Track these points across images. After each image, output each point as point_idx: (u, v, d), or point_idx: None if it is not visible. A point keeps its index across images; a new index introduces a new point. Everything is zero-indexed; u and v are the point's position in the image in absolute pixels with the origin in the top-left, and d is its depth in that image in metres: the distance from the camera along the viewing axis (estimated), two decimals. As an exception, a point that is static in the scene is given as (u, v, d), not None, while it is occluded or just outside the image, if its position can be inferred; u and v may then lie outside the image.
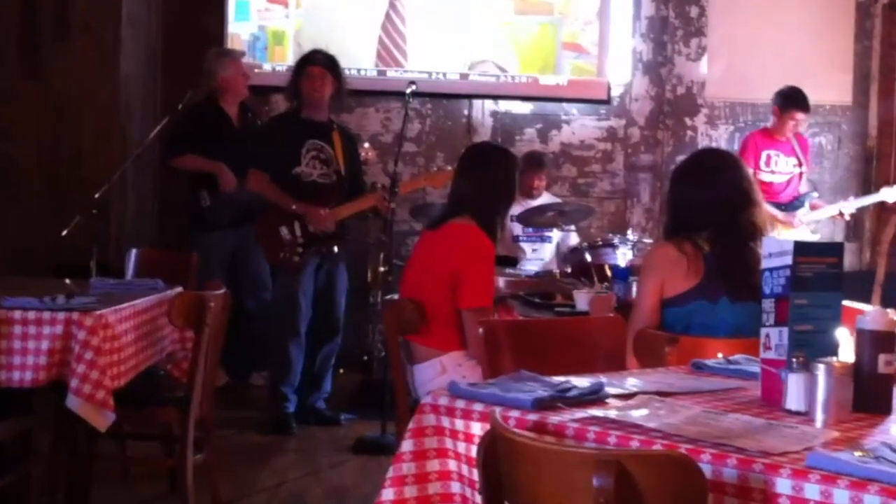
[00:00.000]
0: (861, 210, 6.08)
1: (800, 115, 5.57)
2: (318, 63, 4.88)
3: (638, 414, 1.72)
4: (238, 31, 6.20)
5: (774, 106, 5.63)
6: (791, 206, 5.66)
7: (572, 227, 5.39)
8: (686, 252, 2.82)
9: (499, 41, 6.38)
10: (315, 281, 4.86)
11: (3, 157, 5.42)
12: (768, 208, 5.41)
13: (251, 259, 5.28)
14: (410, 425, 1.92)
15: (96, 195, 4.31)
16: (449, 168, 5.53)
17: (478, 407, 1.83)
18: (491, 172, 3.54)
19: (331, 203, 4.78)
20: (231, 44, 6.10)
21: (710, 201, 2.86)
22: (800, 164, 5.67)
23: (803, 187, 5.74)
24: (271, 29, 6.26)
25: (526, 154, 5.75)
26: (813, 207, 5.70)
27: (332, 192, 4.83)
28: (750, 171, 3.11)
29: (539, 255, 5.57)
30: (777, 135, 5.63)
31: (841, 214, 5.71)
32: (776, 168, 5.64)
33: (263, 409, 4.98)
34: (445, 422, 1.88)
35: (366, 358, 5.47)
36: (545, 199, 5.73)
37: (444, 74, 6.32)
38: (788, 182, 5.68)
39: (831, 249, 1.94)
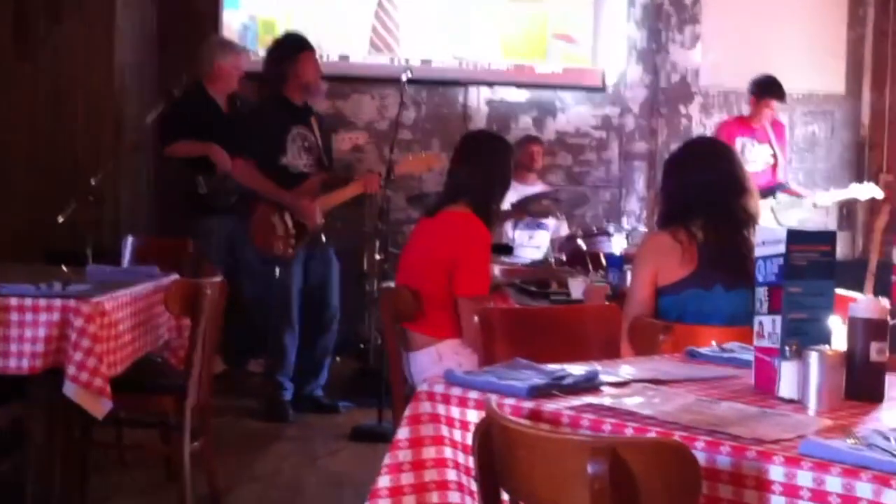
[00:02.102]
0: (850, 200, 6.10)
1: (775, 104, 5.61)
2: (312, 48, 4.84)
3: (632, 401, 1.73)
4: (230, 19, 6.17)
5: (750, 95, 5.67)
6: (761, 194, 5.68)
7: (564, 218, 5.41)
8: (680, 240, 2.83)
9: (490, 30, 6.37)
10: (306, 270, 4.85)
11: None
12: None
13: (249, 245, 5.28)
14: (406, 413, 1.92)
15: (92, 181, 4.31)
16: (425, 153, 5.54)
17: (473, 394, 1.84)
18: (487, 160, 3.55)
19: (315, 192, 4.75)
20: (224, 30, 6.08)
21: (703, 189, 2.87)
22: (774, 155, 5.68)
23: (780, 175, 5.74)
24: (262, 18, 6.24)
25: (521, 137, 5.82)
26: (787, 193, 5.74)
27: (315, 181, 4.80)
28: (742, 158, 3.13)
29: (535, 243, 5.58)
30: (752, 121, 5.66)
31: (815, 206, 5.72)
32: (749, 157, 5.65)
33: (260, 396, 4.99)
34: (441, 409, 1.89)
35: (362, 346, 5.48)
36: (540, 187, 5.74)
37: (440, 62, 6.31)
38: (763, 173, 5.70)
39: (824, 238, 1.95)
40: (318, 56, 4.88)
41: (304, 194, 4.71)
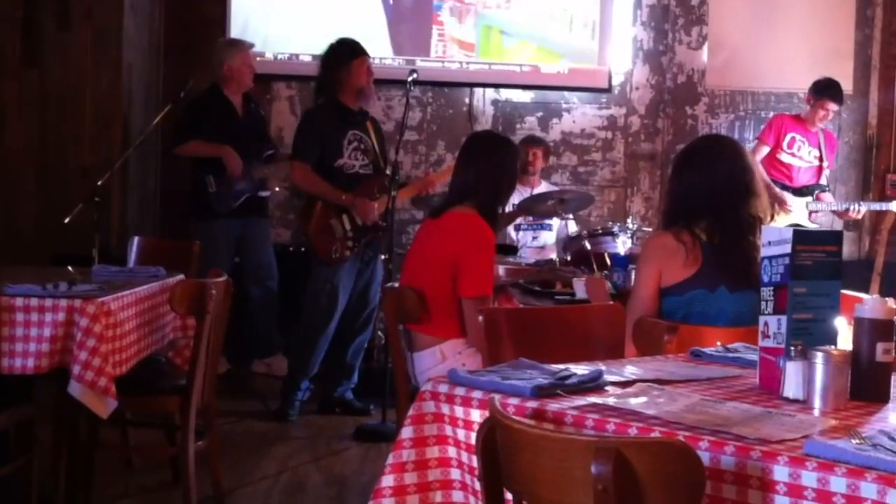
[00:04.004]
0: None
1: (831, 106, 5.60)
2: (365, 53, 4.88)
3: (636, 401, 1.73)
4: (239, 19, 6.18)
5: (808, 94, 5.67)
6: (799, 192, 5.68)
7: (570, 216, 5.40)
8: (684, 241, 2.82)
9: (498, 29, 6.37)
10: (356, 273, 4.87)
11: (4, 144, 5.43)
12: (776, 189, 5.46)
13: (256, 247, 5.30)
14: (410, 412, 1.92)
15: (99, 182, 4.33)
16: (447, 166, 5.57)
17: (477, 394, 1.84)
18: (492, 161, 3.54)
19: (373, 192, 4.80)
20: (232, 33, 6.09)
21: (707, 191, 2.85)
22: (820, 159, 5.68)
23: (823, 180, 5.74)
24: (271, 15, 6.24)
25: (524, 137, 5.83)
26: (819, 199, 5.71)
27: (373, 182, 4.84)
28: (754, 160, 3.04)
29: (539, 243, 5.58)
30: (807, 123, 5.66)
31: (846, 211, 5.67)
32: (798, 153, 5.66)
33: (265, 397, 5.00)
34: (445, 409, 1.89)
35: (366, 346, 5.48)
36: (544, 187, 5.73)
37: (445, 63, 6.31)
38: (806, 170, 5.70)
39: (830, 238, 1.94)
40: (368, 61, 4.91)
41: (362, 194, 4.75)
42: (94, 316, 2.92)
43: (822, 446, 1.45)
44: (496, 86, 6.42)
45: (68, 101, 5.43)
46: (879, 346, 1.84)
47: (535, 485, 1.55)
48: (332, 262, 4.77)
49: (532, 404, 1.74)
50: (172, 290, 3.26)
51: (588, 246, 4.39)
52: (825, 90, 5.57)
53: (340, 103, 4.82)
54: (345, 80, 4.79)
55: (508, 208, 4.70)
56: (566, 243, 4.87)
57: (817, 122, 5.63)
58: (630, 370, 2.05)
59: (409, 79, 4.97)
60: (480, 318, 2.63)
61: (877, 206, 5.82)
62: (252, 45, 5.49)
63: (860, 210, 5.66)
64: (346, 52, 4.86)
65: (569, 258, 4.55)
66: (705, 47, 6.49)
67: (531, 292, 3.90)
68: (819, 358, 1.77)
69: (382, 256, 4.82)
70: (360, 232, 4.78)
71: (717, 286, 2.79)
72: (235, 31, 6.09)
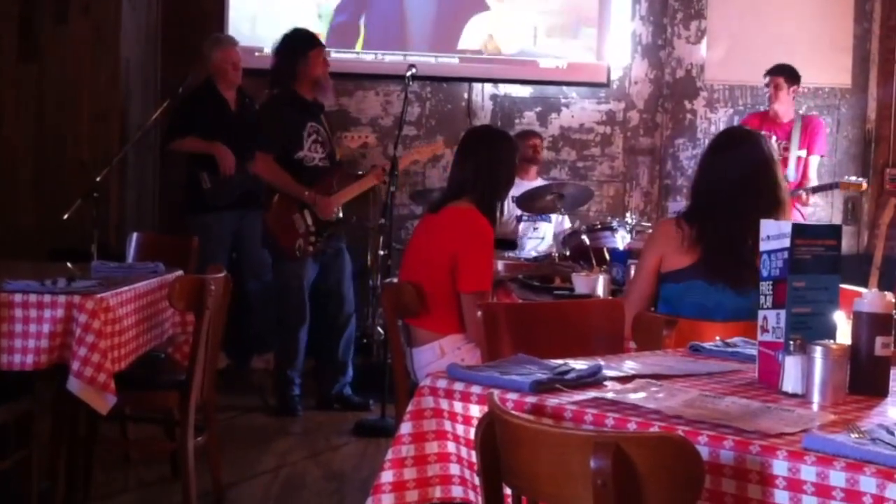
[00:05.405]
0: (861, 193, 6.09)
1: (774, 80, 5.59)
2: (321, 44, 4.86)
3: (636, 396, 1.73)
4: (237, 14, 6.17)
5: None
6: None
7: (565, 213, 5.40)
8: (686, 231, 2.83)
9: (495, 24, 6.36)
10: (323, 268, 4.87)
11: (1, 139, 5.42)
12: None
13: (253, 242, 5.29)
14: (409, 408, 1.92)
15: (97, 178, 4.33)
16: (440, 138, 5.60)
17: (476, 389, 1.84)
18: (491, 155, 3.54)
19: (332, 186, 4.79)
20: (231, 27, 6.07)
21: (714, 189, 2.85)
22: (787, 149, 5.65)
23: (812, 173, 5.70)
24: (270, 10, 6.22)
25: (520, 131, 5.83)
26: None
27: (332, 175, 4.83)
28: (775, 157, 2.96)
29: (539, 234, 5.59)
30: (776, 117, 5.64)
31: (796, 198, 5.64)
32: None
33: (264, 392, 5.00)
34: (444, 404, 1.89)
35: (365, 341, 5.49)
36: (539, 182, 5.73)
37: (444, 58, 6.30)
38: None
39: (829, 232, 1.94)
40: (324, 53, 4.90)
41: (321, 189, 4.73)
42: (92, 312, 2.92)
43: (821, 440, 1.45)
44: (495, 81, 6.41)
45: (66, 96, 5.42)
46: (878, 341, 1.84)
47: (535, 479, 1.55)
48: (296, 258, 4.75)
49: (531, 399, 1.74)
50: (171, 285, 3.26)
51: (587, 241, 4.38)
52: (768, 70, 5.63)
53: (297, 94, 4.78)
54: (302, 70, 4.75)
55: (507, 201, 4.70)
56: (565, 238, 4.87)
57: (775, 101, 5.62)
58: (629, 365, 2.05)
59: (408, 74, 4.97)
60: (479, 313, 2.62)
61: (823, 189, 5.81)
62: (236, 43, 5.41)
63: (806, 196, 5.63)
64: (304, 43, 4.81)
65: (568, 253, 4.55)
66: (704, 41, 6.49)
67: (530, 287, 3.90)
68: (818, 352, 1.77)
69: (382, 252, 4.82)
70: (322, 226, 4.77)
71: (716, 280, 2.79)
72: (233, 25, 6.08)
